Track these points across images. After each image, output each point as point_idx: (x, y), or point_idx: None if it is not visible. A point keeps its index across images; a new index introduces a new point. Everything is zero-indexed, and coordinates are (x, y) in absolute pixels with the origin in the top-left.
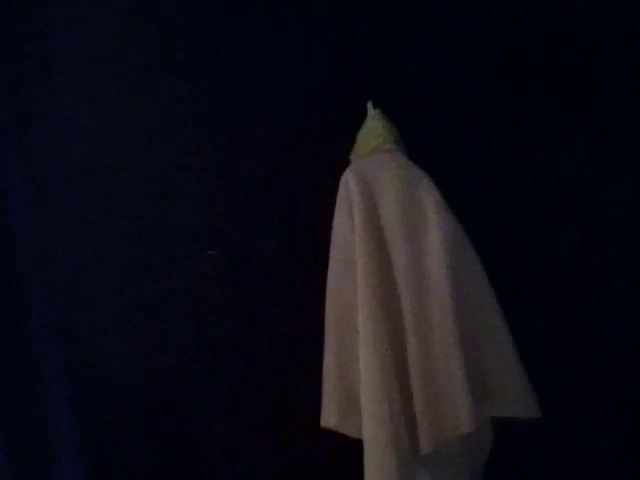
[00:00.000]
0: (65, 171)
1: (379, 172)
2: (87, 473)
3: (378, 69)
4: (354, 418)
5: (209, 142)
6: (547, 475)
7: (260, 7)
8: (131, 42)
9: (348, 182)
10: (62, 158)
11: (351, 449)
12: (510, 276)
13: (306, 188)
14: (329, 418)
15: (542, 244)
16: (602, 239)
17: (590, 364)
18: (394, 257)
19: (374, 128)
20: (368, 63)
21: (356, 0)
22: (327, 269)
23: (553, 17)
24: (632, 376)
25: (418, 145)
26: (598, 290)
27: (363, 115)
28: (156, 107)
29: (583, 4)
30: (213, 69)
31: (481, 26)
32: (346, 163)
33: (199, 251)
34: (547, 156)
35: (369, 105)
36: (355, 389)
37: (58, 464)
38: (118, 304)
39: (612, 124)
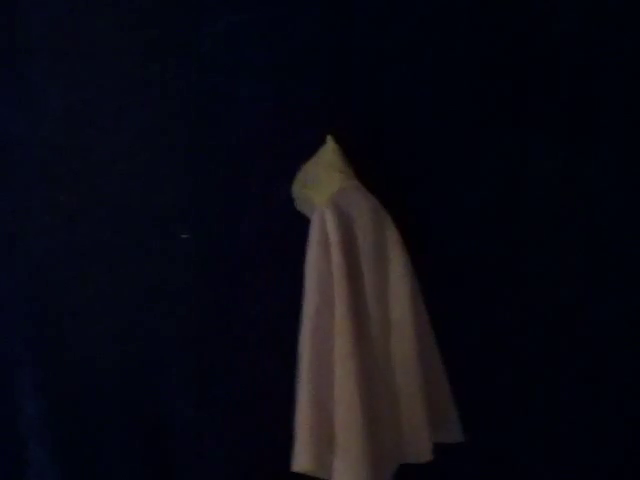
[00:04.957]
0: (32, 151)
1: (354, 211)
2: (56, 460)
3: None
4: (330, 461)
5: (182, 124)
6: (547, 475)
7: None
8: (102, 20)
9: (325, 219)
10: (29, 138)
11: None
12: (510, 276)
13: (281, 172)
14: (304, 463)
15: (542, 244)
16: (602, 240)
17: (590, 364)
18: (367, 298)
19: (334, 162)
20: (356, 53)
21: None
22: (301, 254)
23: (553, 18)
24: (632, 376)
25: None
26: (598, 290)
27: (346, 100)
28: (126, 87)
29: (583, 5)
30: (186, 50)
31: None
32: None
33: (171, 234)
34: (547, 156)
35: (329, 138)
36: (331, 430)
37: (27, 451)
38: (87, 288)
39: (612, 124)
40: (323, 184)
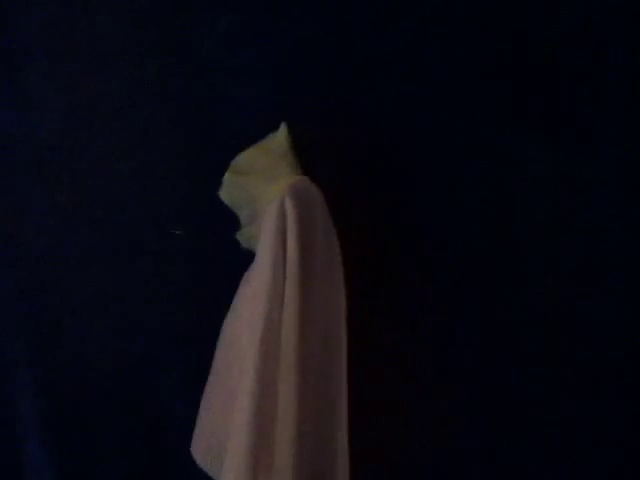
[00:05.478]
0: (30, 151)
1: (311, 209)
2: (53, 459)
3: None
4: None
5: (180, 124)
6: (547, 475)
7: None
8: (100, 20)
9: (286, 208)
10: (27, 138)
11: None
12: (510, 276)
13: None
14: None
15: (541, 245)
16: (602, 240)
17: (590, 364)
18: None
19: (285, 154)
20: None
21: None
22: None
23: (553, 17)
24: (632, 377)
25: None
26: (598, 290)
27: (345, 101)
28: (124, 86)
29: (583, 5)
30: (185, 49)
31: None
32: (317, 147)
33: (169, 234)
34: (547, 156)
35: (283, 126)
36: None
37: (24, 450)
38: (85, 287)
39: (612, 124)
40: (275, 174)
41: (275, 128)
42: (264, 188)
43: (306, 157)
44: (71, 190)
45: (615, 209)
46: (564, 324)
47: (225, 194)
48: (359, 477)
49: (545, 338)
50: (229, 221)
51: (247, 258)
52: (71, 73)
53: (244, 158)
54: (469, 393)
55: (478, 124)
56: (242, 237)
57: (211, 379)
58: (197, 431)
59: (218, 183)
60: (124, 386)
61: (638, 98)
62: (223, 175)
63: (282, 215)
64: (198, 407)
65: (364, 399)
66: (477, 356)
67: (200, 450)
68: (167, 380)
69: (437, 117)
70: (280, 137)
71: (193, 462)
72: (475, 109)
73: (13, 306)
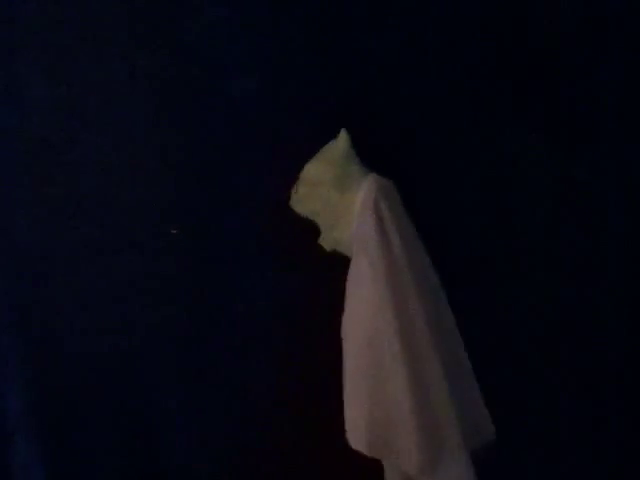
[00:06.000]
0: (18, 145)
1: (397, 204)
2: (42, 455)
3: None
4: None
5: (171, 117)
6: (547, 475)
7: None
8: (88, 12)
9: (382, 209)
10: (16, 130)
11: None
12: (509, 276)
13: (269, 168)
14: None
15: (541, 244)
16: (602, 240)
17: (590, 364)
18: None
19: (350, 159)
20: (350, 50)
21: None
22: (289, 252)
23: (553, 17)
24: (632, 377)
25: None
26: (598, 289)
27: (335, 97)
28: (114, 80)
29: (584, 4)
30: (176, 42)
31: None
32: (312, 141)
33: (158, 230)
34: (547, 156)
35: (343, 132)
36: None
37: (13, 446)
38: (74, 283)
39: (612, 125)
40: (347, 181)
41: (267, 123)
42: (340, 195)
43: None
44: (62, 184)
45: (615, 209)
46: (564, 324)
47: (299, 205)
48: (358, 477)
49: (545, 338)
50: (218, 218)
51: (237, 256)
52: (61, 67)
53: (312, 169)
54: None
55: (478, 123)
56: (325, 242)
57: (351, 377)
58: (352, 425)
59: (207, 178)
60: (114, 383)
61: (637, 98)
62: (212, 170)
63: (379, 216)
64: (191, 405)
65: None
66: (477, 356)
67: (364, 441)
68: (159, 377)
69: (437, 117)
70: (341, 143)
71: (186, 459)
72: (475, 109)
73: (2, 301)
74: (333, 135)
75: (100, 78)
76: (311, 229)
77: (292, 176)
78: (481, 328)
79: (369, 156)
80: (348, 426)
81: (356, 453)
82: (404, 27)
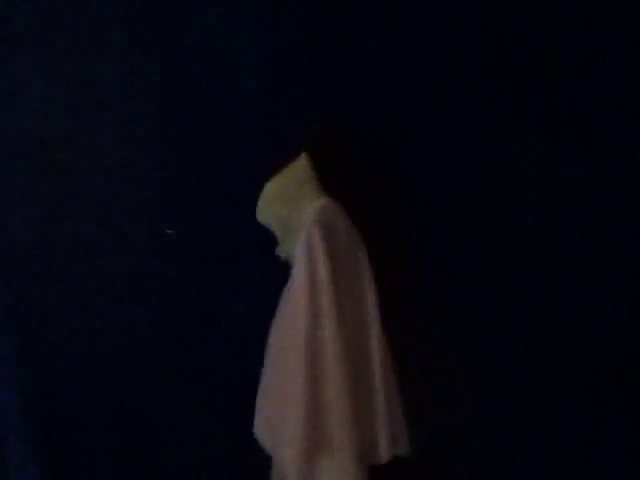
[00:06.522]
0: (17, 143)
1: (334, 229)
2: (37, 454)
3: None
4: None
5: (170, 117)
6: (546, 475)
7: None
8: (86, 11)
9: (313, 236)
10: (14, 130)
11: None
12: (509, 276)
13: (266, 167)
14: (291, 459)
15: (541, 244)
16: (602, 240)
17: (590, 364)
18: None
19: (308, 180)
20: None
21: None
22: None
23: (553, 17)
24: (632, 377)
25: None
26: (598, 289)
27: (333, 97)
28: (111, 79)
29: (584, 4)
30: (173, 42)
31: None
32: (310, 143)
33: (155, 229)
34: (547, 157)
35: (303, 155)
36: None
37: (8, 445)
38: (69, 281)
39: (612, 125)
40: (300, 200)
41: (264, 123)
42: (290, 214)
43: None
44: (59, 183)
45: (615, 209)
46: (564, 324)
47: (260, 218)
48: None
49: (545, 338)
50: (215, 217)
51: (233, 255)
52: (58, 65)
53: (270, 187)
54: (468, 392)
55: (478, 123)
56: (280, 253)
57: (264, 380)
58: (258, 417)
59: (204, 177)
60: (109, 382)
61: (637, 98)
62: (210, 169)
63: (310, 241)
64: (184, 403)
65: None
66: (476, 355)
67: (260, 432)
68: (151, 376)
69: (437, 117)
70: (302, 164)
71: (180, 457)
72: (475, 109)
73: None
74: (333, 135)
75: (99, 78)
76: None
77: None
78: (481, 328)
79: (369, 156)
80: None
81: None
82: (404, 27)
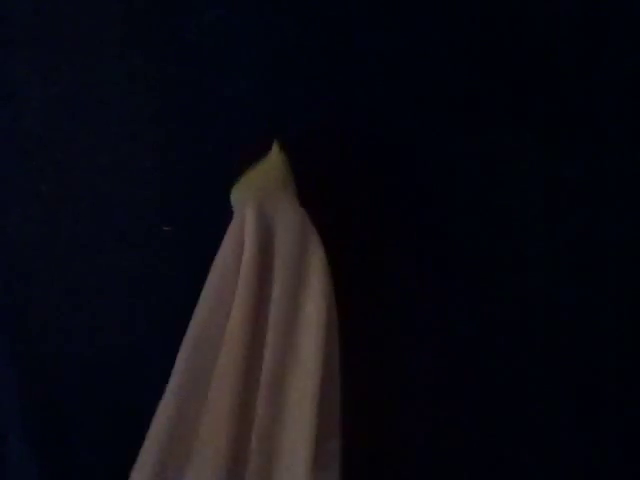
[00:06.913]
0: (14, 142)
1: (278, 222)
2: (36, 453)
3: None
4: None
5: (169, 117)
6: (546, 475)
7: None
8: (85, 10)
9: (246, 219)
10: (11, 129)
11: None
12: (509, 277)
13: None
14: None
15: (541, 245)
16: (602, 240)
17: (590, 364)
18: (271, 320)
19: (272, 169)
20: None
21: None
22: None
23: (553, 17)
24: (632, 377)
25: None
26: (598, 290)
27: (334, 100)
28: (109, 78)
29: (584, 4)
30: (175, 42)
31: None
32: (311, 142)
33: (153, 228)
34: (546, 157)
35: (275, 145)
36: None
37: (6, 445)
38: (68, 281)
39: (612, 125)
40: (254, 188)
41: (267, 123)
42: (244, 199)
43: (301, 156)
44: (55, 182)
45: (615, 209)
46: (564, 324)
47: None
48: (357, 477)
49: (545, 338)
50: (214, 217)
51: None
52: (56, 64)
53: (243, 180)
54: (468, 392)
55: (477, 123)
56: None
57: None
58: None
59: (203, 177)
60: (109, 382)
61: (637, 98)
62: (208, 169)
63: (242, 224)
64: None
65: (358, 399)
66: (476, 355)
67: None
68: (151, 376)
69: (436, 117)
70: (273, 157)
71: None
72: (475, 109)
73: None
74: (333, 135)
75: (97, 77)
76: None
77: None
78: (480, 328)
79: (369, 156)
80: None
81: (357, 453)
82: (404, 27)
